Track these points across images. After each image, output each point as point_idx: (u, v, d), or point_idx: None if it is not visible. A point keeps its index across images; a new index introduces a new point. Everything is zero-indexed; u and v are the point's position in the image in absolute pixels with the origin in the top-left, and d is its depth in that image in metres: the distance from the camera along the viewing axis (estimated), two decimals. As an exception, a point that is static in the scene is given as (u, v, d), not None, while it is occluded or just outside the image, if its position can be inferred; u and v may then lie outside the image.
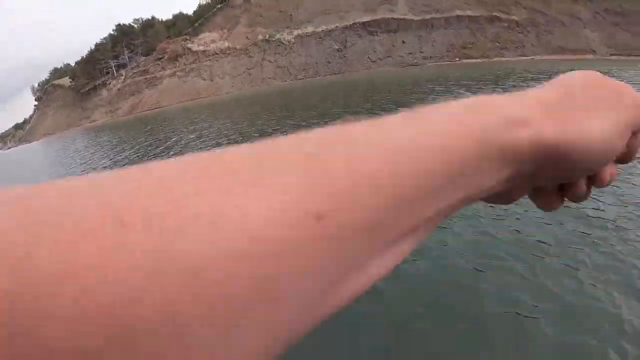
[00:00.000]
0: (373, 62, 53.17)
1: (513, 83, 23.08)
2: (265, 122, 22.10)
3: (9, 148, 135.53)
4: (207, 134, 24.97)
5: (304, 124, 16.86)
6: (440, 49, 52.52)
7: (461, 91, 22.26)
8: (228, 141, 20.27)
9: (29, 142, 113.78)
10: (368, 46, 54.89)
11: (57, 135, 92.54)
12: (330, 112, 20.76)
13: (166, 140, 26.78)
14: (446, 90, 22.72)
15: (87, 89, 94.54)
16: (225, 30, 71.36)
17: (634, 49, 44.18)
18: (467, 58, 50.73)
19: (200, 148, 21.65)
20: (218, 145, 21.27)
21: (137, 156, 25.92)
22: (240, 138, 20.20)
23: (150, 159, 21.71)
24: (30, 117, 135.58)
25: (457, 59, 50.89)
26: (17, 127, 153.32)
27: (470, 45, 51.99)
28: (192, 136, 26.65)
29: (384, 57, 52.91)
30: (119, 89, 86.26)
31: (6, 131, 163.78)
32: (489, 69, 33.43)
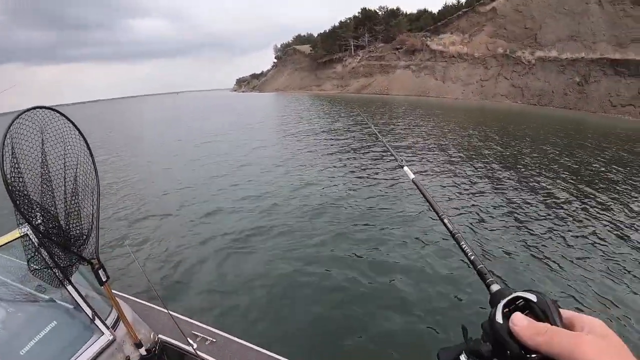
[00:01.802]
0: (613, 106, 50.84)
1: None
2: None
3: (243, 92, 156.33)
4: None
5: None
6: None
7: None
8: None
9: (261, 92, 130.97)
10: (612, 87, 52.25)
11: (287, 93, 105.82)
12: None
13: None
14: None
15: (323, 60, 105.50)
16: (466, 35, 74.01)
17: None
18: None
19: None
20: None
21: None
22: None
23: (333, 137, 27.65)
24: (268, 71, 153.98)
25: None
26: (254, 76, 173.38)
27: None
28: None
29: (626, 103, 50.11)
30: (353, 67, 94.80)
31: (243, 77, 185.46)
32: None
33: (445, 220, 1.38)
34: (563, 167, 18.24)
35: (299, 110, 48.23)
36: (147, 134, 40.57)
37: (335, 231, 10.77)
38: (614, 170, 17.77)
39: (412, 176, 1.88)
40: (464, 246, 1.20)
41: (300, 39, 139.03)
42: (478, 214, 12.09)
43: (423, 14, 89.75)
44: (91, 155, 2.93)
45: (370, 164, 19.06)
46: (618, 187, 15.08)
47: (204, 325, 4.64)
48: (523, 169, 17.68)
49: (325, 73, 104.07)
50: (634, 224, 11.19)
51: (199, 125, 43.64)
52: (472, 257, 1.12)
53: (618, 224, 11.18)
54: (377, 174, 17.26)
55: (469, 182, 15.70)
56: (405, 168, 1.99)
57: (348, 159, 20.56)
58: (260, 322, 7.00)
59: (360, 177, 16.78)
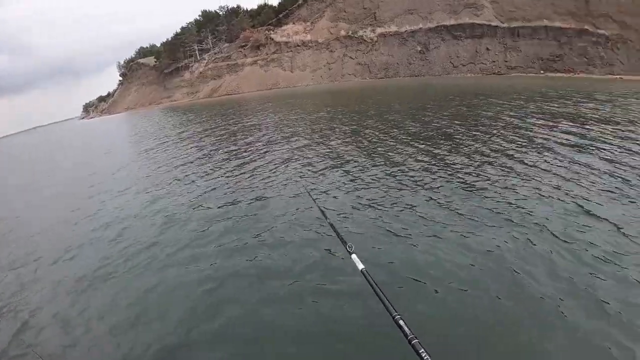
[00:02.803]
0: (455, 67, 52.79)
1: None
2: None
3: (92, 118, 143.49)
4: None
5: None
6: (525, 59, 51.64)
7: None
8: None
9: (111, 114, 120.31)
10: (451, 50, 54.32)
11: (137, 110, 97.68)
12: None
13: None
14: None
15: (170, 69, 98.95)
16: (308, 23, 72.71)
17: None
18: (552, 71, 49.87)
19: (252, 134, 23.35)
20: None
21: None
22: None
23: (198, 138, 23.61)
24: (114, 91, 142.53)
25: (542, 72, 50.17)
26: (101, 99, 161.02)
27: (557, 59, 50.98)
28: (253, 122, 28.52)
29: (466, 62, 52.36)
30: (201, 72, 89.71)
31: (90, 102, 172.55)
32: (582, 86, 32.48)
33: (401, 322, 1.40)
34: (406, 133, 18.10)
35: (144, 131, 41.95)
36: None
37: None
38: (454, 125, 18.48)
39: (361, 266, 1.86)
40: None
41: (143, 52, 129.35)
42: (333, 190, 11.12)
43: (264, 8, 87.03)
44: None
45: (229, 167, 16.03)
46: (457, 140, 15.55)
47: None
48: (367, 142, 17.07)
49: (174, 82, 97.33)
50: (472, 171, 11.26)
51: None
52: None
53: (455, 173, 11.27)
54: (229, 172, 15.05)
55: (317, 162, 14.49)
56: (354, 256, 1.95)
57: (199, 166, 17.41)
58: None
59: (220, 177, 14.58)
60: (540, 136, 14.86)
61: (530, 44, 52.24)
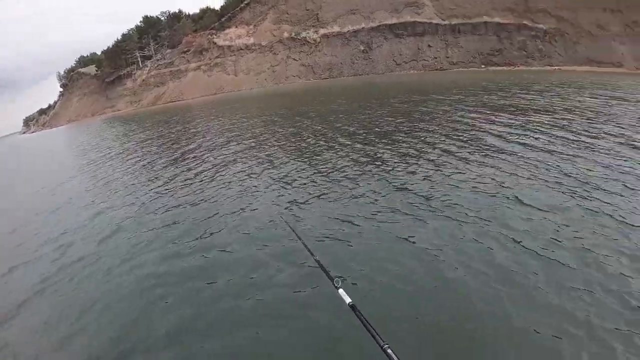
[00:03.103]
0: (398, 65, 52.86)
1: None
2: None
3: (33, 132, 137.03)
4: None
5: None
6: (467, 55, 52.10)
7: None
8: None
9: (52, 128, 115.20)
10: (394, 48, 54.49)
11: (80, 122, 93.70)
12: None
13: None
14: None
15: (112, 78, 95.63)
16: (251, 27, 71.34)
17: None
18: (493, 65, 50.48)
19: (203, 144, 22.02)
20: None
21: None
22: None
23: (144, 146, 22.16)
24: (55, 103, 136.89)
25: (483, 66, 50.68)
26: (42, 112, 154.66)
27: (497, 53, 51.61)
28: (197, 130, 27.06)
29: (409, 60, 52.56)
30: (143, 80, 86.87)
31: (30, 116, 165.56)
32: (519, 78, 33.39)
33: (389, 351, 1.47)
34: (345, 133, 17.28)
35: (86, 143, 39.53)
36: None
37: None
38: (395, 123, 17.87)
39: (348, 300, 1.91)
40: None
41: (84, 61, 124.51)
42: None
43: (206, 12, 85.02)
44: None
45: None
46: (395, 138, 15.00)
47: None
48: (305, 145, 16.09)
49: (116, 91, 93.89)
50: (406, 169, 10.81)
51: None
52: None
53: (390, 170, 10.82)
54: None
55: (255, 166, 13.72)
56: (341, 291, 2.00)
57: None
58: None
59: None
60: (477, 129, 14.66)
61: (471, 39, 52.79)
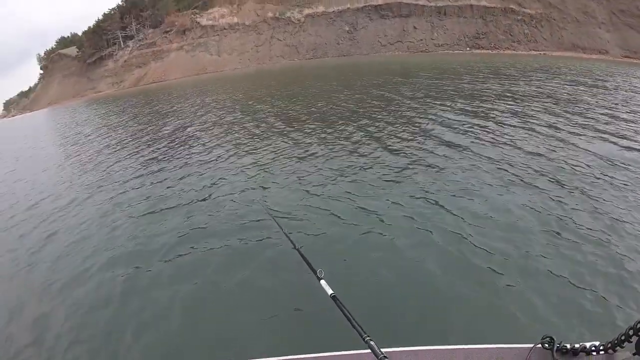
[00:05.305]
0: (383, 46, 52.48)
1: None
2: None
3: (13, 116, 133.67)
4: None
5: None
6: (452, 37, 51.73)
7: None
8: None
9: (32, 111, 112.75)
10: (379, 29, 54.12)
11: (61, 105, 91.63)
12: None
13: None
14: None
15: (93, 59, 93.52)
16: (235, 6, 70.18)
17: (647, 52, 43.76)
18: (478, 48, 50.09)
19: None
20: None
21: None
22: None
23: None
24: (36, 85, 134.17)
25: (468, 49, 50.26)
26: (22, 95, 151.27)
27: (483, 36, 51.23)
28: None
29: (394, 41, 52.19)
30: (125, 61, 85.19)
31: (10, 99, 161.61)
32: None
33: (372, 343, 1.48)
34: (316, 115, 17.03)
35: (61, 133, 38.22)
36: None
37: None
38: (381, 105, 17.54)
39: (330, 292, 1.93)
40: None
41: (64, 42, 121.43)
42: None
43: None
44: None
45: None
46: (380, 116, 14.92)
47: None
48: (292, 129, 15.15)
49: (98, 73, 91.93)
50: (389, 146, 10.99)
51: None
52: None
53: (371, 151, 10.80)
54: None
55: (233, 149, 13.18)
56: (323, 282, 2.02)
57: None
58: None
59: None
60: (438, 115, 14.52)
61: (457, 22, 52.41)
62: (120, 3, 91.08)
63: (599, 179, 7.86)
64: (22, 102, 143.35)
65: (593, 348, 1.62)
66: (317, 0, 60.63)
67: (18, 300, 6.41)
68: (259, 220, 7.19)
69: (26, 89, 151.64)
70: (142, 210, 8.86)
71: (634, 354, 1.38)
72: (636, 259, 5.24)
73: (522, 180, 7.89)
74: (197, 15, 73.74)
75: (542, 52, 47.29)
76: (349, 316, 1.66)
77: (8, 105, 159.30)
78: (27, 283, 6.79)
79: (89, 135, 22.34)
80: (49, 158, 18.97)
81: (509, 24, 51.21)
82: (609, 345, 1.54)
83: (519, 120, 12.72)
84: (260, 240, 6.56)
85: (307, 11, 59.84)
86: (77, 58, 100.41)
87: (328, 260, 5.74)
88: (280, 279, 5.51)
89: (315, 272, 2.05)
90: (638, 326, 1.34)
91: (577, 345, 1.67)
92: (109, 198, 10.12)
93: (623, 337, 1.44)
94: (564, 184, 7.66)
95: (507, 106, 15.19)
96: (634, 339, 1.38)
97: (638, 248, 5.50)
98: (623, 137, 10.61)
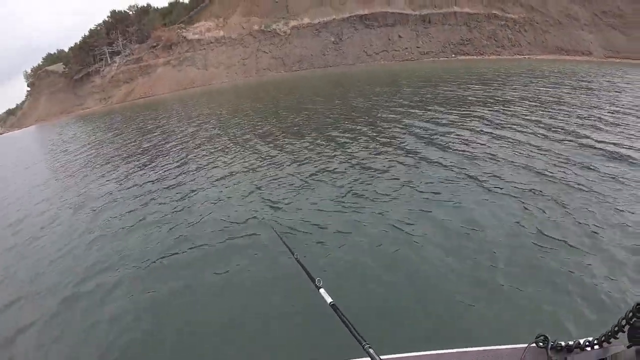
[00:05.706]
0: (369, 55, 52.83)
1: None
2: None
3: (1, 134, 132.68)
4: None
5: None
6: (437, 44, 52.15)
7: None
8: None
9: (20, 128, 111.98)
10: (364, 39, 54.59)
11: (49, 122, 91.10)
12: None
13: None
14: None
15: (80, 75, 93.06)
16: (221, 20, 70.32)
17: (630, 52, 44.14)
18: (463, 55, 50.48)
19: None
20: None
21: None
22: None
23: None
24: (23, 102, 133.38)
25: (454, 55, 50.63)
26: (9, 112, 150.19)
27: (467, 42, 51.67)
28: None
29: (380, 51, 52.62)
30: (112, 77, 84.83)
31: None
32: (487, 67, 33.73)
33: (371, 350, 1.48)
34: (294, 128, 17.45)
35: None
36: None
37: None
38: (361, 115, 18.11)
39: (329, 300, 1.92)
40: None
41: (51, 58, 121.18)
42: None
43: (175, 5, 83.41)
44: None
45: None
46: (358, 127, 15.39)
47: None
48: (271, 145, 15.18)
49: (85, 89, 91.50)
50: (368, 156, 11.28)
51: None
52: None
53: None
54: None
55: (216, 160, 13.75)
56: (322, 290, 2.01)
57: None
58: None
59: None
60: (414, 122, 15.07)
61: (441, 29, 52.86)
62: (107, 19, 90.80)
63: (600, 178, 8.11)
64: (9, 119, 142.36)
65: (587, 343, 1.65)
66: (302, 11, 60.85)
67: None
68: (257, 233, 7.26)
69: (13, 106, 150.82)
70: (129, 224, 8.96)
71: (628, 347, 1.41)
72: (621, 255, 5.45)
73: (511, 187, 8.10)
74: (184, 30, 73.66)
75: (526, 56, 47.70)
76: (349, 324, 1.67)
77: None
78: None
79: (74, 152, 22.17)
80: (36, 175, 19.14)
81: (492, 29, 51.66)
82: (603, 338, 1.58)
83: (504, 125, 13.05)
84: (259, 250, 6.68)
85: (292, 23, 60.03)
86: (64, 74, 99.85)
87: (328, 268, 5.92)
88: (280, 287, 5.58)
89: (313, 281, 2.07)
90: (629, 315, 1.38)
91: (571, 343, 1.70)
92: (93, 215, 10.12)
93: (616, 329, 1.47)
94: (558, 190, 7.86)
95: (490, 111, 15.60)
96: (627, 328, 1.40)
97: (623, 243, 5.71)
98: (605, 141, 10.93)
